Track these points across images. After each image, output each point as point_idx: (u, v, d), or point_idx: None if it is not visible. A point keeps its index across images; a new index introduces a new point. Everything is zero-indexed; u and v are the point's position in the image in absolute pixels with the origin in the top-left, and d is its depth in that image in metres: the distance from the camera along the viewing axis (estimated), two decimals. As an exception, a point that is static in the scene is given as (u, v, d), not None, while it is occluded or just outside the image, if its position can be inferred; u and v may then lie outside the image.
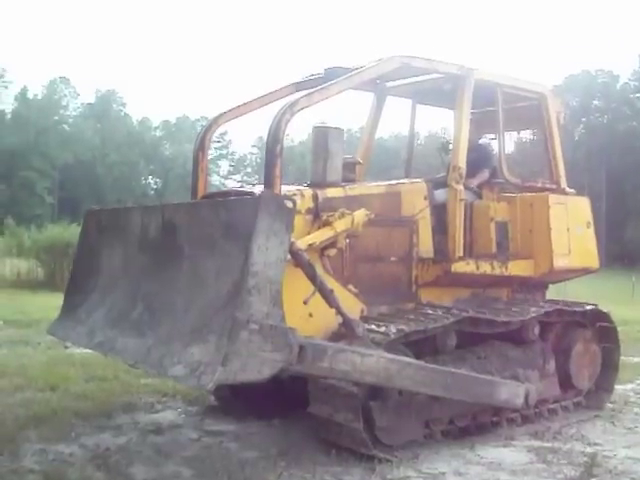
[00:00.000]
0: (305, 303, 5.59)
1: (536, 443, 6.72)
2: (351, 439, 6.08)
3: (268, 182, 5.98)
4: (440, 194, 7.58)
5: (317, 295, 5.77)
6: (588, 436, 6.93)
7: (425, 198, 7.35)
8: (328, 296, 5.64)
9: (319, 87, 6.61)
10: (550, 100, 8.36)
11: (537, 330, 7.41)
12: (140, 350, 5.17)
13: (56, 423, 6.77)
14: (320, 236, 6.24)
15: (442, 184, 7.67)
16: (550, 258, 7.87)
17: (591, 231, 8.46)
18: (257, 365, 4.70)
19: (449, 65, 7.47)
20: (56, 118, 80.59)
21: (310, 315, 6.05)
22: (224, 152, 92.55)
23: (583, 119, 68.49)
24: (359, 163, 7.84)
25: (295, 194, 6.28)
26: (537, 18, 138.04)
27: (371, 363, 5.48)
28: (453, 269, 7.15)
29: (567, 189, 8.45)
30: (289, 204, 4.85)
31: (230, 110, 7.86)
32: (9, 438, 6.26)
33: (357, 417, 5.93)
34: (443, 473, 5.85)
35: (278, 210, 4.76)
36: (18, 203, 64.29)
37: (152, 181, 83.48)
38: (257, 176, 76.84)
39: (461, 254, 7.22)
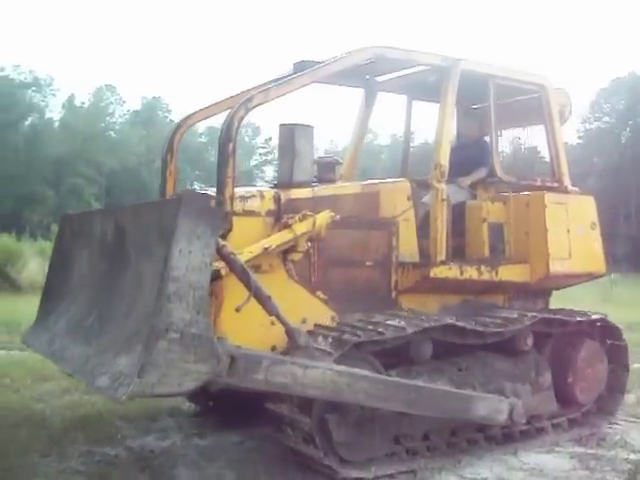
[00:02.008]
0: (237, 310, 5.14)
1: (579, 449, 6.69)
2: (307, 449, 5.70)
3: (220, 182, 5.70)
4: (452, 194, 7.34)
5: (280, 301, 5.35)
6: (632, 443, 6.83)
7: (408, 198, 6.96)
8: (266, 303, 5.15)
9: (277, 82, 6.26)
10: (551, 92, 7.85)
11: (530, 341, 6.91)
12: (80, 359, 4.96)
13: (102, 425, 6.88)
14: (277, 239, 5.91)
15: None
16: (546, 262, 7.31)
17: (596, 233, 7.85)
18: (178, 377, 4.31)
19: (431, 56, 7.10)
20: (102, 125, 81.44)
21: (273, 323, 5.44)
22: (269, 158, 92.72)
23: (630, 122, 67.31)
24: (338, 163, 7.51)
25: (254, 195, 6.09)
26: (584, 20, 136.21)
27: (315, 376, 5.11)
28: (432, 274, 6.69)
29: (570, 188, 7.89)
30: (215, 205, 4.75)
31: (199, 111, 7.54)
32: (57, 439, 6.39)
33: (311, 432, 5.59)
34: (485, 478, 5.82)
35: (202, 212, 4.40)
36: (66, 209, 64.76)
37: (197, 186, 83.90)
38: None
39: (443, 258, 6.75)
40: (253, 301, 5.18)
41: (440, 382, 6.22)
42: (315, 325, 6.07)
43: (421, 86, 8.11)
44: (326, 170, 7.24)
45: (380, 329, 5.86)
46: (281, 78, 6.67)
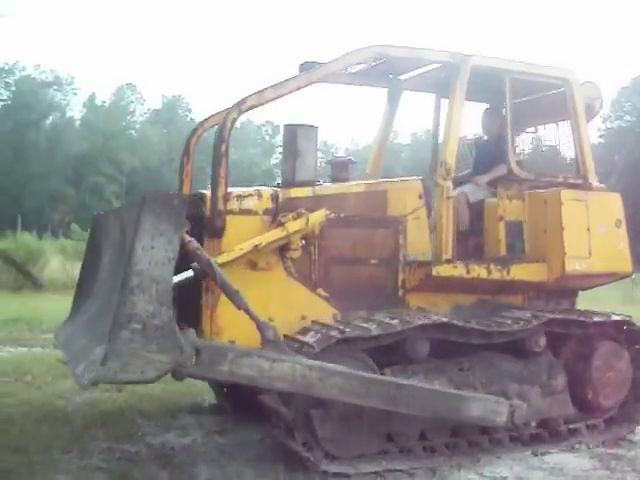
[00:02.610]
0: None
1: (600, 449, 6.62)
2: (290, 442, 5.77)
3: (213, 182, 5.92)
4: (472, 192, 7.41)
5: (278, 298, 5.96)
6: (654, 444, 6.76)
7: (420, 197, 6.88)
8: (233, 297, 5.29)
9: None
10: (576, 86, 7.50)
11: (542, 342, 6.66)
12: (77, 350, 5.26)
13: (123, 422, 6.91)
14: (268, 237, 6.00)
15: (461, 183, 7.50)
16: (562, 261, 7.04)
17: (621, 231, 7.47)
18: (140, 365, 4.58)
19: (438, 53, 7.02)
20: (123, 124, 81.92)
21: (270, 319, 5.67)
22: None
23: (651, 120, 66.94)
24: (352, 162, 7.62)
25: (251, 194, 6.21)
26: (605, 19, 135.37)
27: (283, 369, 5.23)
28: (434, 272, 6.58)
29: (596, 184, 7.52)
30: (178, 202, 4.82)
31: (216, 114, 7.52)
32: (78, 436, 6.43)
33: (295, 425, 5.69)
34: (505, 477, 5.82)
35: (165, 210, 4.69)
36: (87, 208, 65.32)
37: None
38: (322, 180, 76.78)
39: (449, 256, 6.66)
40: (250, 297, 5.41)
41: (438, 382, 6.16)
42: (312, 321, 6.14)
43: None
44: (340, 169, 7.44)
45: (367, 325, 5.89)
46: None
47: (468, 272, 6.72)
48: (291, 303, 6.19)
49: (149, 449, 6.28)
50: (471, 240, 7.38)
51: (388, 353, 6.07)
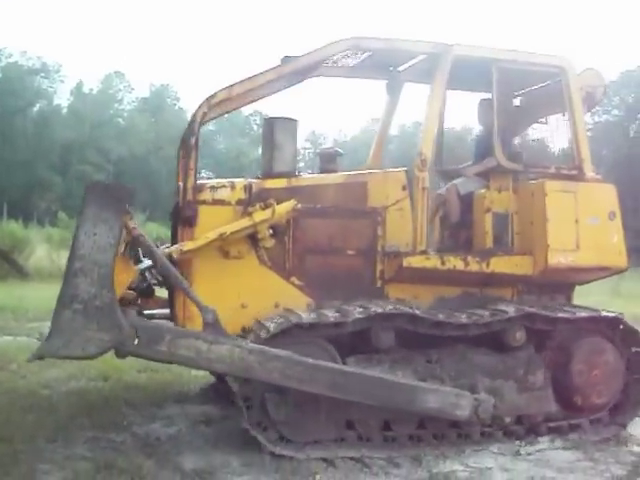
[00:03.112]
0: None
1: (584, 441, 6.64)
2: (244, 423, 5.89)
3: (183, 173, 6.31)
4: (462, 184, 7.43)
5: (252, 285, 6.34)
6: (637, 436, 6.80)
7: (404, 188, 6.94)
8: (174, 281, 5.70)
9: (242, 78, 6.52)
10: (571, 74, 7.28)
11: (520, 337, 6.57)
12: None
13: (108, 412, 6.92)
14: (234, 226, 6.27)
15: (457, 175, 7.59)
16: (545, 254, 6.90)
17: (615, 223, 7.19)
18: (81, 343, 5.06)
19: (418, 44, 7.04)
20: (111, 112, 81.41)
21: (243, 306, 6.29)
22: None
23: (639, 115, 67.08)
24: (340, 154, 7.66)
25: (225, 185, 6.53)
26: (593, 14, 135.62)
27: (222, 351, 5.48)
28: (405, 263, 6.61)
29: (591, 175, 7.29)
30: (125, 193, 5.31)
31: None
32: (63, 425, 6.43)
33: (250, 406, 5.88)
34: (490, 468, 5.85)
35: (107, 199, 5.17)
36: (74, 196, 64.97)
37: (205, 175, 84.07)
38: (310, 170, 76.70)
39: (423, 247, 6.68)
40: (223, 285, 6.15)
41: (402, 372, 6.22)
42: (283, 308, 6.34)
43: (451, 74, 7.42)
44: (328, 161, 7.56)
45: (326, 313, 6.03)
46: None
47: (443, 264, 6.71)
48: (264, 291, 6.47)
49: (134, 438, 6.29)
50: (462, 232, 7.42)
51: (355, 342, 6.18)
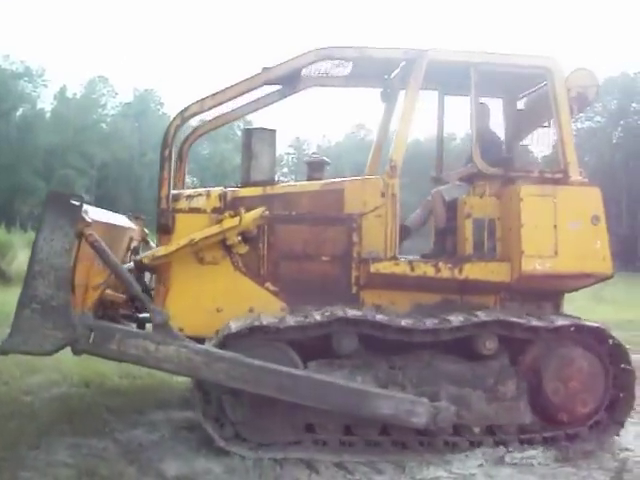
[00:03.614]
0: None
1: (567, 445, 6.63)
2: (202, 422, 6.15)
3: (159, 183, 6.62)
4: (447, 190, 7.41)
5: (226, 290, 6.60)
6: (620, 441, 6.81)
7: (383, 195, 6.89)
8: (126, 283, 6.09)
9: (213, 92, 6.86)
10: (557, 75, 7.14)
11: (490, 345, 6.43)
12: None
13: (90, 418, 6.89)
14: (203, 233, 6.54)
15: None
16: (519, 261, 6.75)
17: (599, 228, 6.90)
18: (39, 340, 5.56)
19: (389, 50, 7.06)
20: (94, 117, 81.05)
21: (218, 310, 6.54)
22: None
23: (621, 121, 67.56)
24: (327, 163, 7.74)
25: (201, 194, 6.81)
26: (576, 20, 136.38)
27: (169, 352, 5.80)
28: (373, 269, 6.66)
29: (576, 178, 7.10)
30: (75, 202, 5.65)
31: (211, 120, 7.97)
32: (45, 432, 6.41)
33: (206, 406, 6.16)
34: (473, 474, 5.85)
35: (63, 207, 5.61)
36: None
37: (189, 180, 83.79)
38: (293, 176, 76.67)
39: (393, 254, 6.73)
40: (200, 289, 6.57)
41: (362, 378, 6.25)
42: (253, 312, 6.51)
43: (453, 80, 7.64)
44: (315, 169, 7.63)
45: (289, 317, 6.20)
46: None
47: (412, 270, 6.71)
48: (239, 296, 6.68)
49: (117, 445, 6.27)
50: (449, 239, 7.41)
51: (321, 347, 6.28)
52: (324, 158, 7.87)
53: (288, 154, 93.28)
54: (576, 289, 7.49)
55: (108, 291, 7.02)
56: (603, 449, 6.60)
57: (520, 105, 8.21)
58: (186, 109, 6.80)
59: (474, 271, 6.80)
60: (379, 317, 6.22)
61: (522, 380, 6.61)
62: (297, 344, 6.27)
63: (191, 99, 7.40)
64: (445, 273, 6.74)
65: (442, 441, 6.35)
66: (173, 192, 6.82)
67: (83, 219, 5.79)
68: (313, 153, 7.63)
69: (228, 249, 6.70)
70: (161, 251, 6.62)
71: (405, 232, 7.66)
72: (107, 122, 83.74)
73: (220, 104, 7.10)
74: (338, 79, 8.04)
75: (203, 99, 6.87)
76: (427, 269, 6.72)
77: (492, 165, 7.15)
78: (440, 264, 6.75)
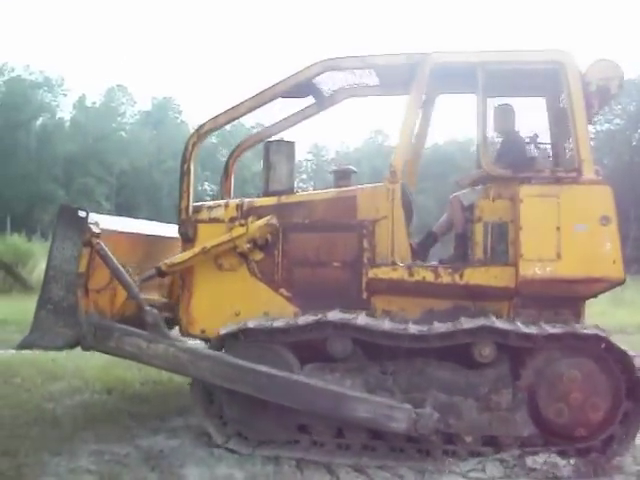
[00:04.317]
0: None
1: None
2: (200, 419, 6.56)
3: (180, 195, 7.12)
4: (465, 195, 7.35)
5: (244, 295, 6.94)
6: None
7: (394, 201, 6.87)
8: (126, 287, 6.54)
9: (226, 109, 7.27)
10: (570, 68, 6.74)
11: (487, 353, 6.15)
12: None
13: (112, 425, 6.93)
14: (214, 242, 6.93)
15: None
16: (517, 265, 6.50)
17: (609, 230, 6.42)
18: (52, 337, 6.29)
19: (392, 57, 7.05)
20: (114, 125, 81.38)
21: (236, 314, 6.81)
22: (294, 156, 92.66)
23: (641, 124, 67.13)
24: (354, 172, 7.85)
25: (220, 205, 7.24)
26: (594, 22, 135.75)
27: (159, 349, 6.31)
28: (371, 275, 6.72)
29: (589, 177, 6.65)
30: (82, 214, 6.31)
31: (253, 135, 8.48)
32: (67, 438, 6.46)
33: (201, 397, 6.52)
34: (492, 478, 5.80)
35: (71, 219, 6.32)
36: None
37: (208, 187, 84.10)
38: (313, 182, 76.76)
39: (395, 259, 6.71)
40: (219, 294, 6.99)
41: (352, 382, 6.29)
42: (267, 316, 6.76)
43: (494, 81, 7.15)
44: (341, 178, 7.73)
45: (275, 321, 6.38)
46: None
47: (411, 275, 6.67)
48: (255, 300, 6.95)
49: (138, 451, 6.30)
50: (468, 244, 7.33)
51: (320, 350, 6.35)
52: (350, 167, 7.98)
53: (307, 160, 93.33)
54: (592, 295, 6.89)
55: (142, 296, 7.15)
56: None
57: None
58: (201, 126, 7.27)
59: (475, 276, 6.65)
60: (361, 321, 6.20)
61: (519, 390, 6.28)
62: (294, 347, 6.41)
63: (209, 107, 7.67)
64: (445, 278, 6.65)
65: (441, 450, 6.24)
66: (196, 204, 7.25)
67: (90, 229, 6.36)
68: (336, 165, 7.79)
69: (244, 256, 6.99)
70: (177, 259, 7.04)
71: (431, 238, 7.71)
72: (126, 130, 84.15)
73: (233, 120, 7.52)
74: (371, 89, 8.11)
75: (216, 116, 7.29)
76: (426, 274, 6.65)
77: (513, 167, 6.97)
78: (440, 269, 6.68)
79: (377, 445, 6.31)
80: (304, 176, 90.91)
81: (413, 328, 6.20)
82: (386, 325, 6.22)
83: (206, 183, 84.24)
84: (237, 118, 7.49)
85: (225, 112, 7.27)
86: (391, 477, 5.88)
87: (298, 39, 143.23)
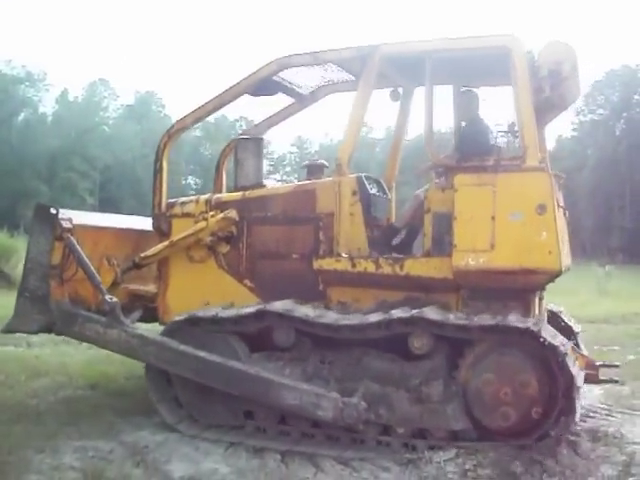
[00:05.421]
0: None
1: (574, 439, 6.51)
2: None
3: (153, 191, 7.60)
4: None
5: (212, 286, 7.28)
6: (628, 435, 6.70)
7: (354, 194, 6.98)
8: (90, 276, 6.93)
9: (192, 109, 7.65)
10: (517, 53, 6.45)
11: (420, 344, 6.09)
12: None
13: (96, 420, 6.90)
14: (179, 235, 7.35)
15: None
16: (450, 256, 6.31)
17: (545, 218, 6.11)
18: (29, 321, 6.95)
19: (342, 51, 7.10)
20: (96, 120, 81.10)
21: (206, 304, 7.07)
22: (264, 151, 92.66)
23: (624, 114, 67.34)
24: (324, 166, 7.99)
25: (192, 200, 7.66)
26: (578, 13, 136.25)
27: (113, 335, 6.79)
28: (316, 266, 6.81)
29: (532, 164, 6.34)
30: (53, 211, 6.93)
31: (246, 130, 8.95)
32: (50, 435, 6.42)
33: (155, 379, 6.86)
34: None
35: (44, 216, 6.96)
36: (60, 204, 63.29)
37: (192, 181, 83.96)
38: (296, 175, 76.68)
39: (340, 250, 6.74)
40: (191, 285, 7.39)
41: (291, 371, 6.45)
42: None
43: (470, 71, 7.28)
44: (313, 172, 7.88)
45: (222, 311, 6.72)
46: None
47: (354, 266, 6.68)
48: (222, 291, 7.26)
49: (123, 447, 6.27)
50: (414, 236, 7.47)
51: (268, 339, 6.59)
52: (322, 161, 8.15)
53: (291, 153, 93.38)
54: (533, 287, 6.68)
55: (133, 286, 7.86)
56: (610, 439, 6.43)
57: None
58: (172, 127, 7.75)
59: (415, 267, 6.52)
60: (301, 312, 6.38)
61: (453, 383, 6.16)
62: (242, 335, 6.72)
63: (192, 100, 7.69)
64: (386, 269, 6.56)
65: (375, 441, 6.28)
66: (170, 200, 7.68)
67: (61, 224, 6.93)
68: (311, 159, 8.04)
69: (213, 249, 7.37)
70: (150, 252, 7.50)
71: (392, 230, 7.68)
72: (109, 125, 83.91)
73: (200, 119, 7.97)
74: (348, 84, 8.09)
75: (184, 117, 7.71)
76: (367, 265, 6.61)
77: (471, 155, 6.89)
78: (380, 260, 6.61)
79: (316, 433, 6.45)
80: (288, 169, 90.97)
81: (345, 318, 6.31)
82: (325, 317, 6.37)
83: (190, 177, 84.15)
84: (204, 117, 7.92)
85: (192, 112, 7.66)
86: (376, 469, 5.85)
87: (283, 30, 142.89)
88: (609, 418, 7.34)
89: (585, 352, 7.61)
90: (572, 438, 6.27)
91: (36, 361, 9.72)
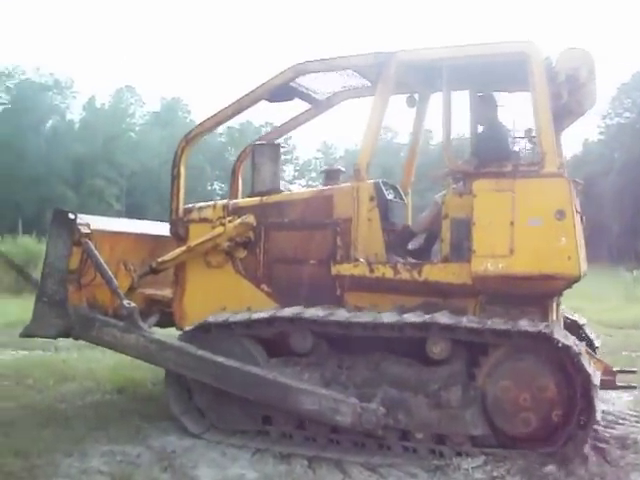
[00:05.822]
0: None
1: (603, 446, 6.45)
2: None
3: (170, 197, 7.60)
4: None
5: (229, 291, 7.30)
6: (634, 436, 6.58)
7: (372, 199, 6.98)
8: (107, 281, 6.94)
9: (211, 115, 7.68)
10: (535, 59, 6.44)
11: (438, 350, 6.07)
12: None
13: (123, 425, 6.93)
14: (197, 241, 7.36)
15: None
16: (469, 261, 6.31)
17: (565, 224, 6.11)
18: (47, 326, 6.98)
19: (359, 57, 7.10)
20: (123, 126, 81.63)
21: (223, 309, 7.00)
22: (289, 157, 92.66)
23: (652, 117, 66.77)
24: (341, 171, 8.10)
25: (209, 206, 7.62)
26: (604, 15, 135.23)
27: (131, 339, 6.79)
28: (334, 271, 6.82)
29: (550, 170, 6.33)
30: (71, 217, 6.95)
31: (264, 135, 8.80)
32: (78, 439, 6.46)
33: (175, 387, 6.88)
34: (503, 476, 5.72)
35: (62, 221, 6.98)
36: (87, 210, 64.04)
37: (217, 186, 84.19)
38: (321, 180, 76.62)
39: (357, 256, 6.71)
40: (208, 290, 7.39)
41: (309, 376, 6.40)
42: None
43: (487, 77, 7.30)
44: (331, 178, 8.03)
45: (231, 315, 6.73)
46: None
47: (372, 271, 6.67)
48: (239, 296, 7.27)
49: (150, 451, 6.30)
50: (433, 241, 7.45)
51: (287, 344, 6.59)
52: (339, 167, 8.30)
53: (316, 158, 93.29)
54: (552, 293, 6.65)
55: (150, 291, 7.87)
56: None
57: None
58: (190, 132, 7.76)
59: (433, 273, 6.53)
60: (311, 312, 6.40)
61: (473, 389, 6.12)
62: (261, 340, 6.73)
63: (218, 106, 7.67)
64: (405, 275, 6.57)
65: (401, 447, 6.25)
66: (187, 205, 7.68)
67: (79, 230, 6.97)
68: (330, 164, 8.18)
69: (230, 254, 7.38)
70: (167, 257, 7.48)
71: (409, 234, 7.65)
72: (135, 131, 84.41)
73: (219, 124, 7.96)
74: (365, 90, 8.12)
75: (203, 122, 7.76)
76: (385, 271, 6.63)
77: (490, 160, 6.87)
78: (399, 266, 6.63)
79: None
80: (313, 174, 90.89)
81: (358, 317, 6.31)
82: (335, 315, 6.34)
83: (215, 182, 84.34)
84: (223, 122, 7.86)
85: (210, 117, 7.68)
86: (404, 476, 5.84)
87: (306, 35, 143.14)
88: (638, 425, 7.25)
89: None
90: (601, 445, 6.27)
91: (63, 366, 9.79)
